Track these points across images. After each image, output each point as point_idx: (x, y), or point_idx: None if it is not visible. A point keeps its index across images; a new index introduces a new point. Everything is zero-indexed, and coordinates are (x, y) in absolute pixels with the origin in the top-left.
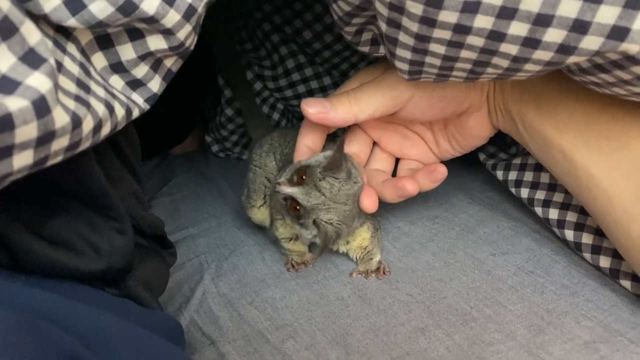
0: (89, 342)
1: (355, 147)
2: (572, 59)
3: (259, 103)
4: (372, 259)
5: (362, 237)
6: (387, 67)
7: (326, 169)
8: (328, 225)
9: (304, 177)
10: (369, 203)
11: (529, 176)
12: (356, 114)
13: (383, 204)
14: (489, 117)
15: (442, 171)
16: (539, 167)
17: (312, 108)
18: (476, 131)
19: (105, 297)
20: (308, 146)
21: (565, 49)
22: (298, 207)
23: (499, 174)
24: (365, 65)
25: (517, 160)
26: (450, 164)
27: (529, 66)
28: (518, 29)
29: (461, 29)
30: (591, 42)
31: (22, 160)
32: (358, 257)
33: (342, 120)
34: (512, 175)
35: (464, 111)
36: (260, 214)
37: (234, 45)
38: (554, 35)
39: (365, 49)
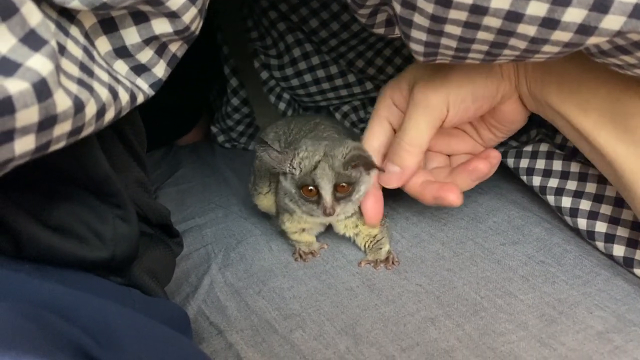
0: (93, 332)
1: None
2: (592, 40)
3: (265, 92)
4: (381, 248)
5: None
6: (409, 85)
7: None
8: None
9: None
10: (454, 197)
11: (540, 164)
12: (420, 152)
13: (390, 194)
14: (521, 101)
15: (496, 155)
16: (550, 155)
17: (393, 184)
18: (512, 117)
19: (110, 286)
20: (375, 148)
21: (585, 29)
22: (311, 188)
23: (510, 162)
24: (371, 55)
25: (529, 148)
26: None
27: (547, 48)
28: (536, 9)
29: (477, 10)
30: (612, 22)
31: (24, 145)
32: (367, 246)
33: (417, 167)
34: (524, 163)
35: (497, 103)
36: (266, 200)
37: (242, 32)
38: (573, 15)
39: (381, 30)
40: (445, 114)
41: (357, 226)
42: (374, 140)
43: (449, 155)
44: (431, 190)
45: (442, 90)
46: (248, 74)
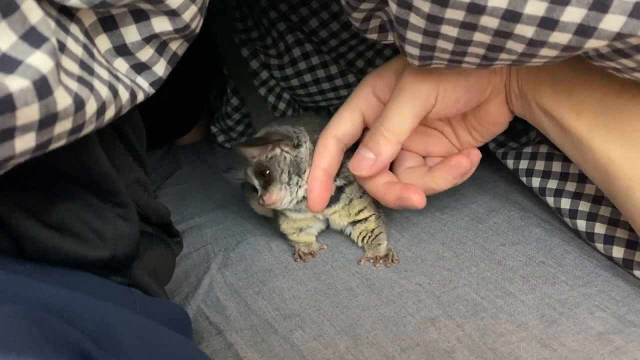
0: (95, 335)
1: None
2: (591, 43)
3: (264, 93)
4: (380, 244)
5: (364, 215)
6: (397, 73)
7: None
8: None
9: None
10: (417, 199)
11: (540, 165)
12: (398, 141)
13: None
14: (506, 102)
15: (477, 153)
16: (550, 156)
17: (363, 170)
18: (496, 118)
19: (111, 286)
20: (324, 169)
21: (584, 30)
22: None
23: (510, 163)
24: (372, 55)
25: (528, 149)
26: None
27: (545, 51)
28: (535, 8)
29: (475, 8)
30: (612, 22)
31: (24, 143)
32: (365, 241)
33: (392, 156)
34: (523, 164)
35: (485, 99)
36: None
37: (234, 36)
38: (572, 14)
39: (374, 36)
40: (432, 103)
41: (350, 215)
42: (339, 127)
43: (424, 157)
44: (394, 191)
45: (433, 77)
46: (242, 78)
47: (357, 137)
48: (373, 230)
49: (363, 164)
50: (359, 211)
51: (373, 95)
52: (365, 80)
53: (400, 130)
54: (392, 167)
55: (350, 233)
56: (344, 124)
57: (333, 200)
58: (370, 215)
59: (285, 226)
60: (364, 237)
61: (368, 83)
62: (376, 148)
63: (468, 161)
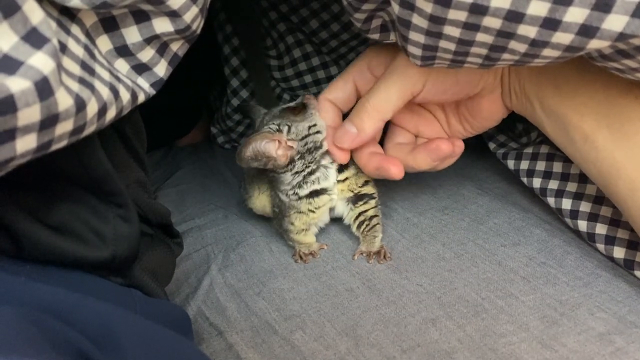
0: (95, 337)
1: None
2: (593, 43)
3: (269, 89)
4: (375, 237)
5: (368, 190)
6: (394, 53)
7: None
8: None
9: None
10: (395, 170)
11: (541, 165)
12: (382, 119)
13: (390, 195)
14: (502, 99)
15: (460, 145)
16: (551, 157)
17: (345, 143)
18: (488, 113)
19: (111, 287)
20: (329, 125)
21: (586, 30)
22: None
23: (510, 164)
24: None
25: (529, 150)
26: None
27: (547, 51)
28: (537, 8)
29: (477, 9)
30: (614, 22)
31: (26, 144)
32: (362, 230)
33: (374, 132)
34: (524, 165)
35: (476, 93)
36: (258, 202)
37: (256, 26)
38: (575, 14)
39: (375, 36)
40: (419, 89)
41: (357, 184)
42: (332, 93)
43: (416, 136)
44: (375, 161)
45: None
46: (258, 71)
47: (350, 105)
48: (372, 218)
49: (346, 137)
50: (364, 183)
51: (368, 69)
52: (364, 54)
53: (384, 109)
54: (384, 138)
55: (347, 216)
56: (336, 91)
57: (345, 166)
58: (373, 195)
59: (298, 223)
60: (361, 223)
61: (365, 58)
62: (359, 124)
63: (449, 147)
